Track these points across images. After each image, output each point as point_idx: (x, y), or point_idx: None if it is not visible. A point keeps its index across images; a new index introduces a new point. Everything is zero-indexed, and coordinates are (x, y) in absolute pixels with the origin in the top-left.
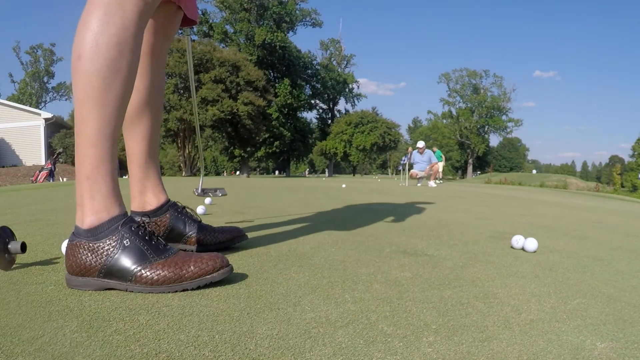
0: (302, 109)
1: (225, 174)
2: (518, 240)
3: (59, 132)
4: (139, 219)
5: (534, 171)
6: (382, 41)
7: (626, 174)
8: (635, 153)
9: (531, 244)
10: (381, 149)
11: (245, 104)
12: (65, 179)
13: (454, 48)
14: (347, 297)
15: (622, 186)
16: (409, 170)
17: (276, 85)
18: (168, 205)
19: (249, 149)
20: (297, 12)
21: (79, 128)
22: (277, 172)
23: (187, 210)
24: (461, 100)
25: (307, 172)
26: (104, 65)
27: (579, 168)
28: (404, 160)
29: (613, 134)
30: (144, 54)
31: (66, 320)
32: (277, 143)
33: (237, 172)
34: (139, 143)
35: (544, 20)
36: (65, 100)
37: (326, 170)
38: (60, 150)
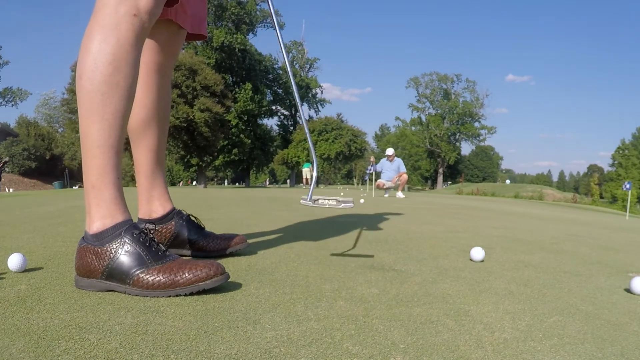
0: (263, 116)
1: (181, 184)
2: (478, 253)
3: (5, 140)
4: (143, 226)
5: (508, 181)
6: (346, 43)
7: (606, 184)
8: (615, 162)
9: (477, 253)
10: (347, 158)
11: (202, 110)
12: (11, 190)
13: (423, 51)
14: (310, 315)
15: (602, 197)
16: (376, 180)
17: (235, 90)
18: (173, 214)
19: (206, 157)
20: (258, 12)
21: (83, 141)
22: (236, 182)
23: (192, 217)
24: (431, 106)
25: (267, 182)
26: (102, 82)
27: (555, 178)
28: (370, 170)
29: (592, 141)
30: (151, 71)
31: (12, 339)
32: (235, 151)
33: (194, 183)
34: (146, 155)
35: (517, 20)
36: (12, 106)
37: (288, 180)
38: (7, 159)
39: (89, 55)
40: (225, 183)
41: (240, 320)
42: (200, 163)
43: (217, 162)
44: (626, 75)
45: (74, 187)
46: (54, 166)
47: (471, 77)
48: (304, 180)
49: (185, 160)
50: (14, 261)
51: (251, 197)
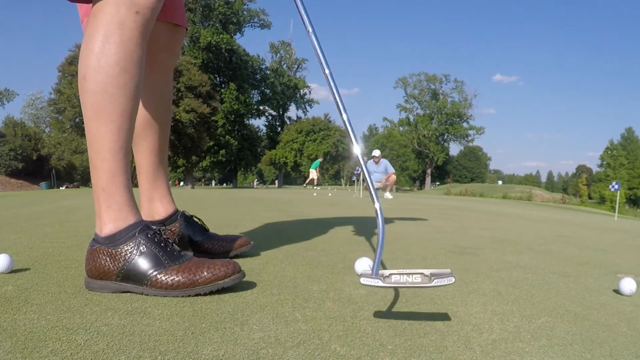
0: (250, 116)
1: None
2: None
3: None
4: (155, 227)
5: (500, 182)
6: (333, 44)
7: (594, 184)
8: (604, 163)
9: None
10: (334, 159)
11: (187, 111)
12: None
13: (411, 51)
14: (298, 316)
15: (590, 198)
16: (364, 181)
17: (222, 90)
18: (177, 215)
19: (193, 158)
20: (245, 12)
21: (91, 143)
22: (223, 183)
23: (195, 219)
24: (419, 107)
25: (255, 183)
26: (108, 83)
27: (544, 178)
28: (358, 170)
29: (580, 142)
30: (150, 71)
31: None
32: (223, 152)
33: (181, 183)
34: (147, 156)
35: (505, 20)
36: None
37: (276, 181)
38: None
39: (92, 56)
40: (213, 184)
41: (227, 322)
42: (187, 164)
43: (204, 163)
44: (614, 76)
45: (60, 188)
46: (40, 167)
47: (459, 77)
48: (308, 180)
49: (172, 160)
50: (1, 262)
51: (239, 198)
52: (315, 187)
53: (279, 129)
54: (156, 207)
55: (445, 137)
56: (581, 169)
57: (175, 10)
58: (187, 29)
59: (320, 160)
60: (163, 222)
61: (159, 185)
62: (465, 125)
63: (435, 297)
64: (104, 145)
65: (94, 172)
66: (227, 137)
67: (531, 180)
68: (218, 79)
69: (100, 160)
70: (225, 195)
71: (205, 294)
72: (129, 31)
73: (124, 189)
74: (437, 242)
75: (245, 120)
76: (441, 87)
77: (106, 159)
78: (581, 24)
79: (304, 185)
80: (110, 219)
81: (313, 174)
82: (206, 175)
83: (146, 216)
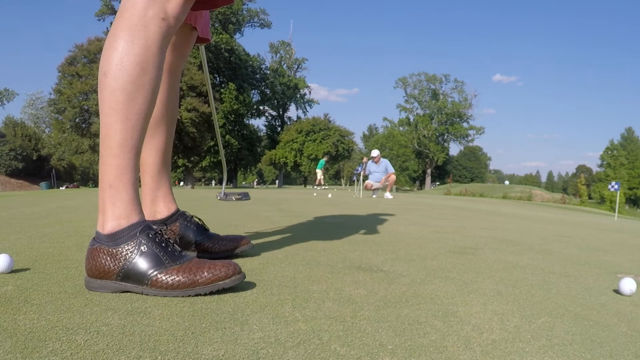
0: (250, 116)
1: None
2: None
3: None
4: (156, 227)
5: (507, 182)
6: (333, 44)
7: (594, 184)
8: (604, 163)
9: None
10: (334, 158)
11: (189, 110)
12: None
13: (411, 51)
14: (298, 316)
15: (590, 198)
16: (364, 180)
17: (222, 90)
18: (178, 215)
19: (193, 158)
20: (245, 12)
21: (104, 139)
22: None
23: (195, 219)
24: (419, 107)
25: (255, 183)
26: (128, 82)
27: (544, 178)
28: (358, 170)
29: (580, 142)
30: (164, 71)
31: None
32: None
33: (181, 183)
34: (153, 154)
35: (505, 20)
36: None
37: (276, 181)
38: None
39: (115, 53)
40: (213, 184)
41: (227, 322)
42: (187, 164)
43: (204, 163)
44: (615, 76)
45: (60, 188)
46: (40, 167)
47: (459, 77)
48: (317, 182)
49: (173, 160)
50: (1, 262)
51: None
52: (315, 187)
53: (279, 129)
54: (159, 207)
55: (445, 137)
56: (581, 169)
57: (200, 17)
58: (209, 41)
59: (325, 160)
60: (164, 222)
61: (163, 184)
62: (465, 125)
63: (435, 296)
64: (116, 141)
65: (103, 168)
66: (227, 136)
67: (531, 180)
68: (218, 78)
69: (111, 156)
70: None
71: (205, 294)
72: (153, 35)
73: (130, 187)
74: (437, 242)
75: (245, 120)
76: (441, 87)
77: (117, 155)
78: (581, 23)
79: (315, 186)
80: (114, 217)
81: (319, 174)
82: (206, 175)
83: (149, 215)
